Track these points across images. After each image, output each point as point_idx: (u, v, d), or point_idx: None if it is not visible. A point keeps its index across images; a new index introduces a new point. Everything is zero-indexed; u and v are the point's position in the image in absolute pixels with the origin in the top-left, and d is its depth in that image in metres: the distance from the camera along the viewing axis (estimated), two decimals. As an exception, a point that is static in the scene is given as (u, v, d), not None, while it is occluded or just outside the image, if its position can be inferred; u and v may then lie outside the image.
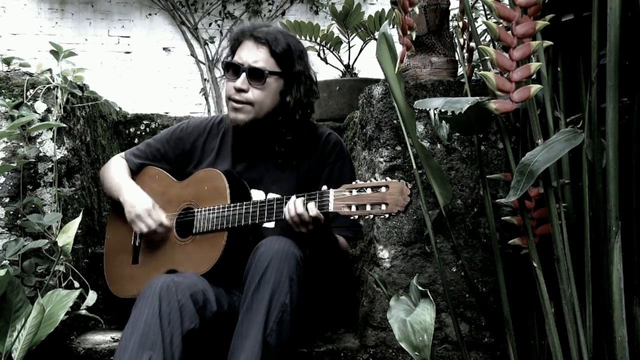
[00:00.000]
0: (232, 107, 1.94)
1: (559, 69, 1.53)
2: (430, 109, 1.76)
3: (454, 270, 1.90)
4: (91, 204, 2.30)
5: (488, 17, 2.21)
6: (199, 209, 1.93)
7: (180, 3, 6.19)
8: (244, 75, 1.91)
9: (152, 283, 1.72)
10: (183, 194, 2.01)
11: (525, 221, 1.42)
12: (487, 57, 1.37)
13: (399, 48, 1.56)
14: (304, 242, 1.79)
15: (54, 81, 2.05)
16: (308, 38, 3.44)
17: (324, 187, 1.74)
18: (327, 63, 3.52)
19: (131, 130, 2.91)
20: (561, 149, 1.30)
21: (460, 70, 2.05)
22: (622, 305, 1.30)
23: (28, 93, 2.01)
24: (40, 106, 1.99)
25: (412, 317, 1.44)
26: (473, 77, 1.91)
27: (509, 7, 1.37)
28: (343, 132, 2.93)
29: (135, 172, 2.12)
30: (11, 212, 1.96)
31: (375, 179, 1.67)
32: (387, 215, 1.62)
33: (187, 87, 6.16)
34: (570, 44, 1.51)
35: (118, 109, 2.86)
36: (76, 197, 2.14)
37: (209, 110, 6.03)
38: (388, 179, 1.64)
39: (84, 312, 1.93)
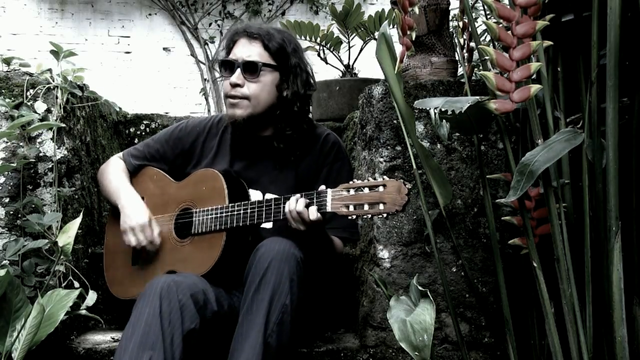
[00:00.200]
0: (230, 104, 1.95)
1: (559, 69, 1.53)
2: (430, 109, 1.76)
3: (454, 270, 1.90)
4: (91, 204, 2.30)
5: (488, 17, 2.21)
6: (198, 210, 1.93)
7: (180, 3, 6.19)
8: (238, 70, 1.92)
9: (152, 283, 1.72)
10: (181, 194, 2.00)
11: (525, 221, 1.42)
12: (487, 57, 1.37)
13: (398, 48, 1.56)
14: (303, 243, 1.79)
15: (54, 81, 2.05)
16: (308, 38, 3.44)
17: (322, 187, 1.73)
18: (327, 63, 3.52)
19: (131, 130, 2.91)
20: (561, 149, 1.30)
21: (460, 70, 2.05)
22: (622, 305, 1.30)
23: (28, 93, 2.01)
24: (40, 106, 1.99)
25: (412, 317, 1.44)
26: (473, 77, 1.91)
27: (509, 7, 1.37)
28: (343, 132, 2.93)
29: (133, 173, 2.12)
30: (11, 212, 1.96)
31: (374, 178, 1.67)
32: (385, 215, 1.61)
33: (187, 87, 6.16)
34: (570, 44, 1.50)
35: (118, 109, 2.86)
36: (76, 197, 2.14)
37: (209, 110, 6.03)
38: (386, 177, 1.63)
39: (84, 312, 1.93)
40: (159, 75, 6.11)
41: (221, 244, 1.84)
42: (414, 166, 1.77)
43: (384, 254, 1.90)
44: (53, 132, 2.02)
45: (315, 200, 1.71)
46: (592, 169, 1.39)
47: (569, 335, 1.38)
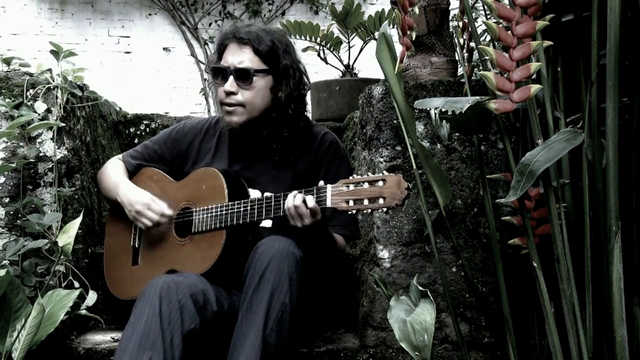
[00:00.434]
0: (225, 111, 1.95)
1: (559, 69, 1.53)
2: (430, 109, 1.76)
3: (454, 270, 1.90)
4: (91, 204, 2.30)
5: (488, 17, 2.21)
6: (197, 209, 1.93)
7: (180, 3, 6.19)
8: (231, 78, 1.91)
9: (152, 283, 1.72)
10: (181, 193, 2.00)
11: (525, 221, 1.42)
12: (487, 57, 1.37)
13: (398, 48, 1.56)
14: (303, 241, 1.79)
15: (54, 81, 2.05)
16: (308, 38, 3.44)
17: (321, 183, 1.73)
18: (327, 63, 3.52)
19: (131, 130, 2.91)
20: (561, 149, 1.30)
21: (460, 70, 2.05)
22: (622, 305, 1.30)
23: (28, 93, 2.01)
24: (40, 106, 1.99)
25: (412, 317, 1.44)
26: (473, 77, 1.91)
27: (509, 7, 1.37)
28: (343, 132, 2.93)
29: (132, 173, 2.13)
30: (11, 212, 1.96)
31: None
32: (385, 209, 1.60)
33: (187, 87, 6.16)
34: (570, 44, 1.50)
35: (118, 109, 2.86)
36: (76, 197, 2.14)
37: (208, 110, 6.03)
38: (385, 172, 1.63)
39: (84, 312, 1.93)
40: (159, 75, 6.11)
41: (221, 242, 1.84)
42: (414, 166, 1.77)
43: (384, 254, 1.90)
44: (53, 132, 2.02)
45: (315, 196, 1.71)
46: (592, 169, 1.39)
47: (569, 335, 1.38)
